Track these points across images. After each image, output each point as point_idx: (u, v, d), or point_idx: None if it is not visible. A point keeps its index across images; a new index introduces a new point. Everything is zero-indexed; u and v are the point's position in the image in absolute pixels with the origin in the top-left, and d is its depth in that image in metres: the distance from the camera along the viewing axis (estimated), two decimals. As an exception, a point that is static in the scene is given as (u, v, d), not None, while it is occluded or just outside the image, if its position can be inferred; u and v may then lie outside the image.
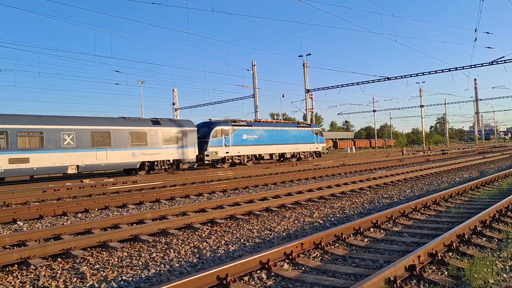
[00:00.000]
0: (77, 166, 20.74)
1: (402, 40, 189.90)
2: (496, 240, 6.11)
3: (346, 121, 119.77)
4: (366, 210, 9.34)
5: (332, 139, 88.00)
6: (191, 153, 26.22)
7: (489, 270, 4.51)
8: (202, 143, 27.36)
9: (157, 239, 6.95)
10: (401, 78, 38.36)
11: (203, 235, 7.19)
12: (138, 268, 5.26)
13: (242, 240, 6.69)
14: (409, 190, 12.70)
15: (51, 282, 4.73)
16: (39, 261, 5.59)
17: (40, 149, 19.35)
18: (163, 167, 24.82)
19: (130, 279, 4.80)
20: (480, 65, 33.96)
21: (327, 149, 41.05)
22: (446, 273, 4.63)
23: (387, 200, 10.80)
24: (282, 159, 33.96)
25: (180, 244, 6.52)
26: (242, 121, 30.91)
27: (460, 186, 11.50)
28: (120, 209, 10.85)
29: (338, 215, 8.81)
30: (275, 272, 4.84)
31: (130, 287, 4.51)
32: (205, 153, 27.18)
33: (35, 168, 19.09)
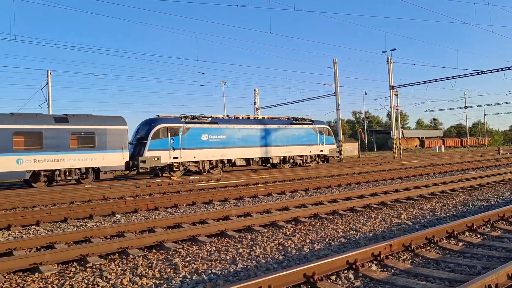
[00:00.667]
0: None
1: (499, 30, 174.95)
2: None
3: (434, 119, 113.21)
4: (459, 213, 8.77)
5: (418, 138, 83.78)
6: (116, 158, 20.42)
7: None
8: (140, 146, 21.82)
9: (243, 235, 7.12)
10: (498, 71, 35.36)
11: (288, 233, 7.23)
12: (226, 262, 5.44)
13: (327, 240, 6.63)
14: (509, 193, 11.69)
15: (148, 271, 5.07)
16: (136, 251, 6.01)
17: None
18: (69, 178, 19.24)
19: (219, 272, 4.98)
20: None
21: (338, 151, 32.20)
22: (556, 283, 4.20)
23: (483, 203, 10.05)
24: (267, 164, 27.33)
25: (265, 241, 6.62)
26: (205, 117, 24.69)
27: None
28: (206, 205, 11.28)
29: (428, 217, 8.37)
30: (363, 273, 4.73)
31: (219, 280, 4.68)
32: (140, 158, 21.13)
33: None
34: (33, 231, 8.24)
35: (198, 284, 4.52)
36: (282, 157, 27.26)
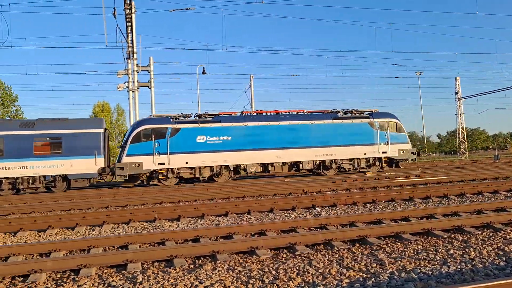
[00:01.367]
0: None
1: None
2: None
3: None
4: None
5: None
6: (88, 165, 19.19)
7: None
8: (121, 151, 20.44)
9: (452, 235, 6.58)
10: None
11: (508, 237, 6.37)
12: (436, 263, 5.11)
13: (562, 248, 5.60)
14: None
15: (354, 264, 5.14)
16: (340, 244, 6.16)
17: None
18: (33, 186, 18.82)
19: (429, 272, 4.72)
20: None
21: (415, 152, 24.01)
22: None
23: None
24: (297, 170, 22.36)
25: (480, 243, 5.98)
26: (207, 115, 21.24)
27: None
28: (406, 202, 10.81)
29: None
30: None
31: (430, 280, 4.43)
32: (117, 165, 19.48)
33: None
34: (246, 218, 9.25)
35: (408, 282, 4.37)
36: (318, 162, 22.19)
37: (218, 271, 5.10)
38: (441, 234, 6.60)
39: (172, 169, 20.17)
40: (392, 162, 23.55)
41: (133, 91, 25.97)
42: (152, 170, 19.93)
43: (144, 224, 8.90)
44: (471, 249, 5.64)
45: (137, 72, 25.92)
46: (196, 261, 5.65)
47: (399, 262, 5.17)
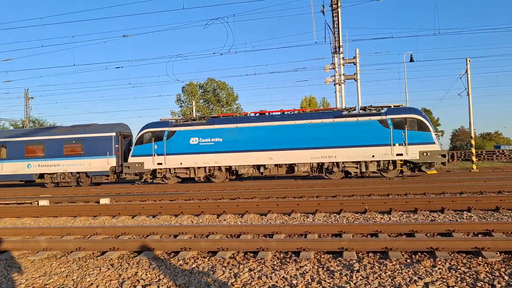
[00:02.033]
0: None
1: None
2: None
3: None
4: None
5: None
6: (101, 164, 22.45)
7: None
8: (128, 152, 22.31)
9: None
10: None
11: None
12: None
13: None
14: None
15: None
16: None
17: None
18: (64, 180, 22.98)
19: None
20: None
21: (444, 155, 19.01)
22: None
23: None
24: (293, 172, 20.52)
25: None
26: (203, 118, 22.39)
27: None
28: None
29: None
30: None
31: None
32: (124, 164, 21.84)
33: None
34: (465, 216, 8.43)
35: None
36: (315, 164, 20.08)
37: (439, 268, 4.81)
38: None
39: (169, 169, 21.39)
40: (415, 166, 19.64)
41: (339, 84, 26.43)
42: (152, 169, 21.55)
43: (355, 215, 9.02)
44: None
45: (343, 65, 26.22)
46: (413, 256, 5.45)
47: None
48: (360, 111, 20.72)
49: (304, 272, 4.95)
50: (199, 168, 21.17)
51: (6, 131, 28.95)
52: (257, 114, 21.50)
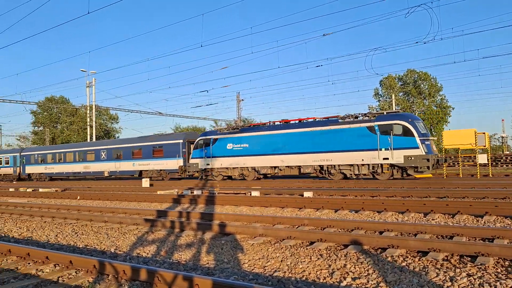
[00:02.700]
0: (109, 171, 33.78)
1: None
2: None
3: None
4: None
5: None
6: (172, 164, 29.34)
7: None
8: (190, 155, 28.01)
9: None
10: None
11: None
12: None
13: None
14: None
15: None
16: None
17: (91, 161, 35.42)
18: (150, 176, 30.31)
19: None
20: None
21: (428, 159, 19.16)
22: None
23: None
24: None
25: None
26: (236, 127, 26.97)
27: None
28: None
29: None
30: None
31: None
32: (187, 164, 27.92)
33: (92, 172, 35.46)
34: None
35: None
36: (317, 166, 22.54)
37: None
38: None
39: (213, 168, 26.32)
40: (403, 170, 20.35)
41: None
42: (203, 168, 26.72)
43: None
44: None
45: None
46: None
47: None
48: (344, 120, 22.27)
49: (539, 285, 4.26)
50: (234, 168, 25.62)
51: (120, 140, 38.39)
52: (290, 122, 24.66)
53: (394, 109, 39.55)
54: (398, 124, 20.28)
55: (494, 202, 9.28)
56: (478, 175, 22.43)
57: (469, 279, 4.56)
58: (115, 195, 16.14)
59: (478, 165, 23.01)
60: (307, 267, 5.37)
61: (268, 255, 6.06)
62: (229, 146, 25.63)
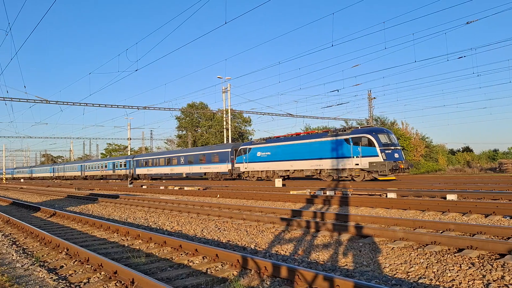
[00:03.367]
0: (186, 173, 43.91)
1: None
2: None
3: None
4: None
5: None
6: (224, 168, 37.60)
7: None
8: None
9: None
10: None
11: None
12: None
13: None
14: None
15: None
16: None
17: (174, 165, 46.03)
18: (211, 177, 39.78)
19: None
20: None
21: (384, 165, 24.29)
22: None
23: None
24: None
25: None
26: (264, 139, 33.81)
27: None
28: None
29: None
30: None
31: None
32: (234, 167, 35.92)
33: (175, 173, 46.03)
34: None
35: None
36: (313, 170, 28.66)
37: None
38: None
39: (249, 171, 33.85)
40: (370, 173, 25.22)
41: None
42: (242, 171, 34.45)
43: None
44: None
45: None
46: None
47: None
48: (331, 133, 27.70)
49: None
50: (262, 171, 32.72)
51: (192, 149, 45.98)
52: (295, 135, 31.74)
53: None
54: (365, 137, 25.53)
55: None
56: None
57: None
58: (251, 194, 16.90)
59: None
60: (457, 275, 4.94)
61: (411, 260, 5.73)
62: (259, 154, 32.97)
